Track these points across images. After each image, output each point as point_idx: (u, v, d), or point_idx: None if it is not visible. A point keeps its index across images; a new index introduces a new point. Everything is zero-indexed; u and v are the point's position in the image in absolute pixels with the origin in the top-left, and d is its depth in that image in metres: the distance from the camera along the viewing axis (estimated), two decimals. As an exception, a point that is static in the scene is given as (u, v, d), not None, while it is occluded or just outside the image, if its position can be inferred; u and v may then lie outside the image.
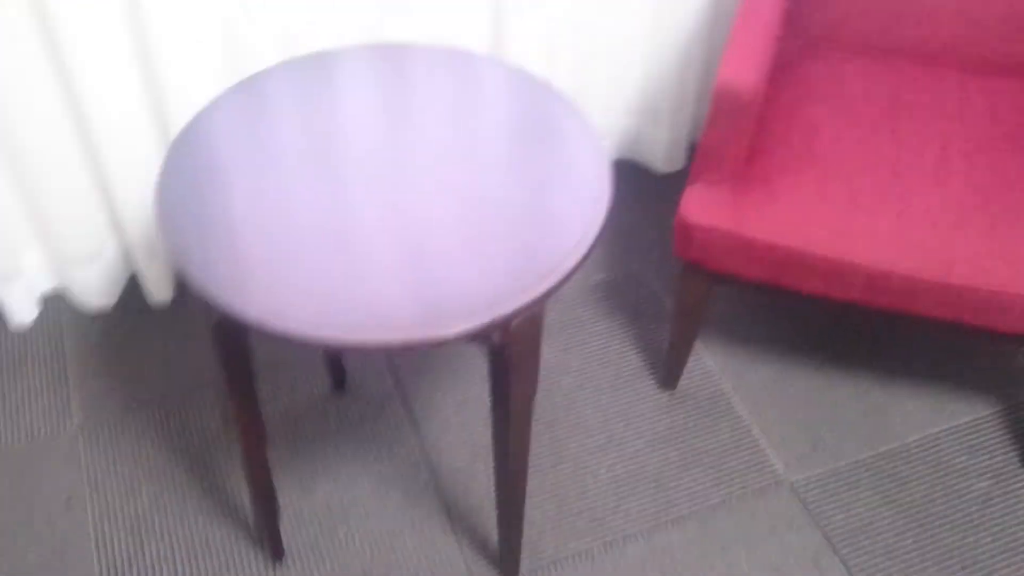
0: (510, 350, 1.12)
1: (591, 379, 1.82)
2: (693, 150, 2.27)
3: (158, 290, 1.90)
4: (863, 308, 1.52)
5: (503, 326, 1.06)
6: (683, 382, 1.83)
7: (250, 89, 1.29)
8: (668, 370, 1.78)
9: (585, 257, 1.10)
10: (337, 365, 1.74)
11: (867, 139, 1.58)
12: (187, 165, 1.18)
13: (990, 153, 1.56)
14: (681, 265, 1.60)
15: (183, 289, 1.96)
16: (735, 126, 1.45)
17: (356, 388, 1.80)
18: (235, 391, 1.24)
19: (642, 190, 2.20)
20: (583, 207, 1.14)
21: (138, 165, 1.72)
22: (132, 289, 1.97)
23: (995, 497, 1.67)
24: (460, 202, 1.15)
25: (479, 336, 1.06)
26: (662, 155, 2.19)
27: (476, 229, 1.11)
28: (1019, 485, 1.68)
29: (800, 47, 1.80)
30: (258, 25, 1.63)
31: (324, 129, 1.24)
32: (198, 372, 1.81)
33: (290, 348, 1.86)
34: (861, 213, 1.47)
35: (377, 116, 1.27)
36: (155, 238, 1.82)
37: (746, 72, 1.42)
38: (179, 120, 1.68)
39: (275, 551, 1.54)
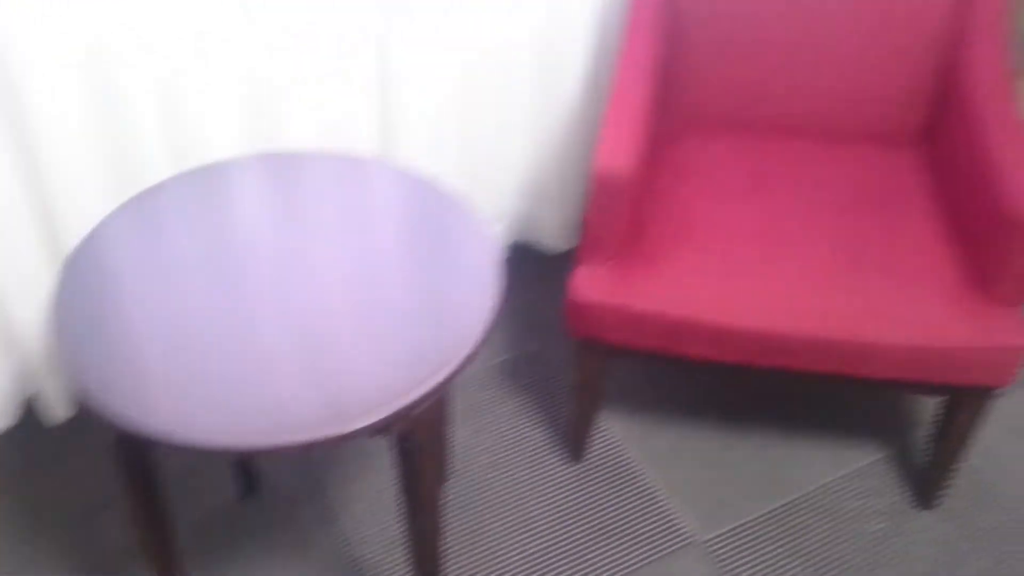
0: (414, 439, 1.16)
1: (502, 458, 1.86)
2: (581, 227, 2.36)
3: (56, 409, 1.87)
4: (751, 368, 1.61)
5: (405, 417, 1.10)
6: (590, 453, 1.88)
7: (144, 203, 1.32)
8: (574, 443, 1.83)
9: (479, 345, 1.15)
10: (247, 469, 1.73)
11: (739, 211, 1.69)
12: (82, 280, 1.20)
13: (851, 214, 1.69)
14: (576, 341, 1.66)
15: (82, 406, 1.93)
16: (615, 208, 1.54)
17: (268, 490, 1.79)
18: (141, 507, 1.23)
19: (538, 270, 2.28)
20: (475, 297, 1.20)
21: (29, 282, 1.71)
22: (29, 408, 1.93)
23: (891, 536, 1.75)
24: (356, 302, 1.19)
25: (382, 429, 1.09)
26: (554, 235, 2.28)
27: (373, 326, 1.16)
28: (912, 523, 1.77)
29: (671, 127, 1.92)
30: (149, 140, 1.66)
31: (219, 238, 1.27)
32: (103, 490, 1.78)
33: (197, 456, 1.85)
34: (739, 280, 1.56)
35: (271, 223, 1.31)
36: (50, 356, 1.80)
37: (621, 157, 1.52)
38: (71, 236, 1.69)
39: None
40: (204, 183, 1.37)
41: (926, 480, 1.79)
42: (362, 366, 1.11)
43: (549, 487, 1.81)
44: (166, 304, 1.17)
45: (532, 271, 2.28)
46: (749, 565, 1.70)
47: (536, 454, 1.87)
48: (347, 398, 1.07)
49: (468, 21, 1.88)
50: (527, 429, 1.92)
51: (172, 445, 1.03)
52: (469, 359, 1.13)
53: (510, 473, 1.84)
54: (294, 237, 1.28)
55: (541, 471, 1.84)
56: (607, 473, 1.84)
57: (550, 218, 2.25)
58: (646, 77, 1.69)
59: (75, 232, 1.69)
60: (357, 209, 1.33)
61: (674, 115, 1.94)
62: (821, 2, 1.81)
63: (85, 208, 1.68)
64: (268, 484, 1.80)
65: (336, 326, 1.16)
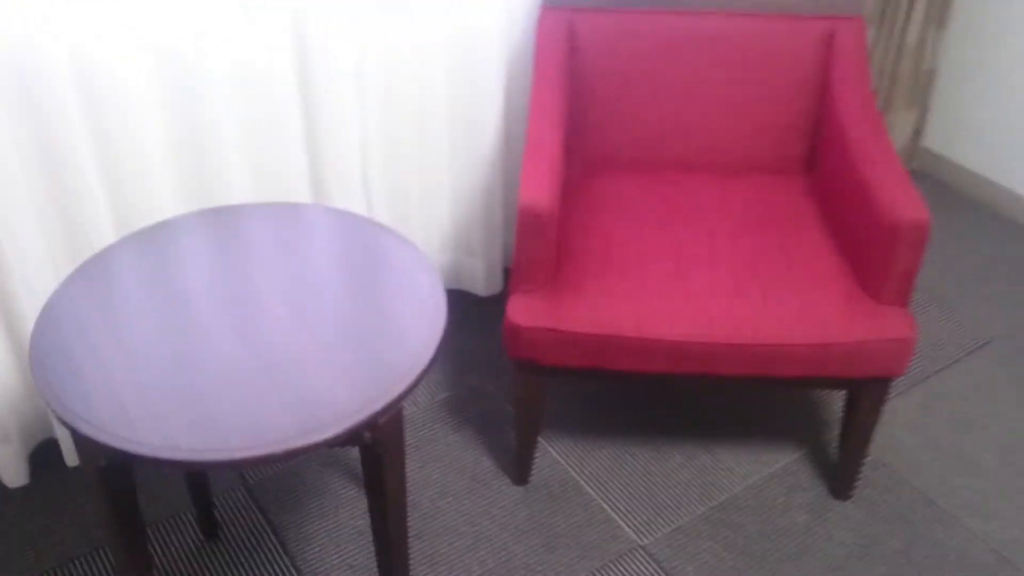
0: (381, 445, 1.27)
1: (451, 487, 1.97)
2: (508, 274, 2.52)
3: (14, 475, 1.92)
4: (676, 377, 1.77)
5: (372, 425, 1.22)
6: (534, 476, 2.00)
7: (96, 267, 1.42)
8: (518, 466, 1.96)
9: (434, 359, 1.28)
10: (207, 513, 1.81)
11: (652, 238, 1.87)
12: (55, 332, 1.29)
13: (750, 235, 1.88)
14: (514, 365, 1.80)
15: (39, 471, 1.98)
16: (540, 239, 1.70)
17: (228, 532, 1.86)
18: (126, 534, 1.31)
19: (468, 315, 2.42)
20: (426, 314, 1.33)
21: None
22: (-16, 480, 1.96)
23: (814, 526, 1.91)
24: (317, 331, 1.31)
25: (353, 436, 1.21)
26: (481, 282, 2.43)
27: (336, 350, 1.28)
28: (831, 513, 1.94)
29: (583, 169, 2.11)
30: (96, 205, 1.76)
31: (175, 289, 1.38)
32: (62, 551, 1.83)
33: (158, 503, 1.91)
34: (656, 298, 1.73)
35: (225, 269, 1.42)
36: (5, 419, 1.85)
37: (542, 193, 1.68)
38: (27, 306, 1.76)
39: None
40: (152, 241, 1.48)
41: (840, 473, 1.96)
42: (330, 385, 1.23)
43: (498, 509, 1.93)
44: (136, 348, 1.27)
45: (462, 316, 2.42)
46: (689, 562, 1.83)
47: (483, 480, 1.99)
48: (320, 412, 1.19)
49: (386, 84, 2.05)
50: (472, 458, 2.03)
51: (160, 462, 1.13)
52: (429, 367, 1.26)
53: (460, 500, 1.95)
54: (249, 279, 1.40)
55: (490, 495, 1.95)
56: (552, 491, 1.97)
57: (476, 267, 2.40)
58: (555, 126, 1.87)
59: (31, 303, 1.76)
60: (306, 248, 1.46)
61: (585, 158, 2.13)
62: (705, 54, 2.03)
63: (37, 278, 1.76)
64: (227, 527, 1.87)
65: (300, 353, 1.27)
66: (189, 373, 1.23)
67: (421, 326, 1.31)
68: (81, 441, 1.26)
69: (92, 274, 1.40)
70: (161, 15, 1.69)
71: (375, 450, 1.28)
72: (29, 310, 1.77)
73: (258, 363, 1.25)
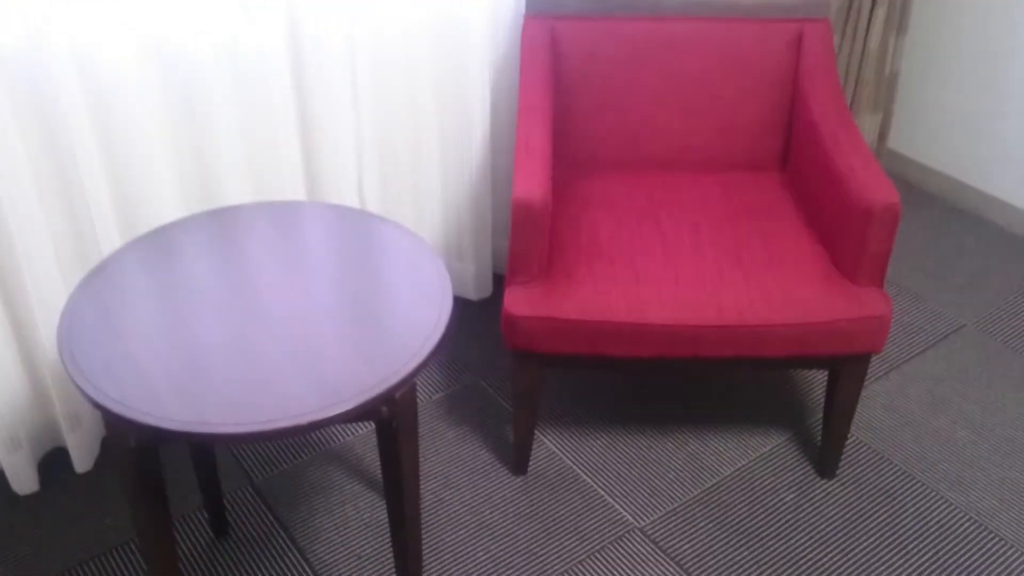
0: (398, 418, 1.34)
1: (452, 479, 2.03)
2: (499, 279, 2.60)
3: (24, 482, 1.96)
4: (667, 361, 1.85)
5: (388, 399, 1.29)
6: (532, 466, 2.07)
7: (111, 267, 1.49)
8: (517, 457, 2.03)
9: (445, 336, 1.35)
10: (217, 511, 1.86)
11: (638, 230, 1.96)
12: (81, 326, 1.35)
13: (730, 225, 1.98)
14: (512, 355, 1.87)
15: (48, 479, 2.02)
16: (534, 233, 1.78)
17: (239, 530, 1.91)
18: (153, 516, 1.36)
19: (461, 319, 2.49)
20: (432, 295, 1.41)
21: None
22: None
23: (803, 504, 2.00)
24: (331, 315, 1.38)
25: (371, 410, 1.28)
26: (473, 286, 2.50)
27: (350, 332, 1.35)
28: (818, 492, 2.02)
29: (568, 171, 2.20)
30: (101, 208, 1.83)
31: (190, 284, 1.45)
32: (72, 555, 1.87)
33: (169, 504, 1.95)
34: (646, 285, 1.82)
35: (235, 264, 1.49)
36: (15, 427, 1.90)
37: (534, 189, 1.77)
38: (37, 316, 1.81)
39: None
40: (161, 242, 1.54)
41: (824, 454, 2.05)
42: (347, 364, 1.29)
43: (499, 498, 1.99)
44: (159, 338, 1.34)
45: (456, 319, 2.49)
46: (684, 542, 1.91)
47: (484, 471, 2.05)
48: (340, 388, 1.26)
49: (380, 82, 2.13)
50: (471, 452, 2.10)
51: (191, 436, 1.19)
52: (440, 344, 1.33)
53: (462, 491, 2.01)
54: (258, 273, 1.47)
55: (491, 485, 2.02)
56: (550, 481, 2.04)
57: (467, 271, 2.48)
58: (543, 127, 1.96)
59: (37, 310, 1.82)
60: (310, 241, 1.53)
61: (569, 159, 2.22)
62: (680, 57, 2.14)
63: (45, 289, 1.81)
64: (237, 525, 1.92)
65: (316, 336, 1.34)
66: (212, 358, 1.29)
67: (430, 306, 1.38)
68: (113, 423, 1.31)
69: (108, 274, 1.46)
70: (160, 13, 1.76)
71: (392, 424, 1.34)
72: (39, 318, 1.82)
73: (277, 347, 1.32)
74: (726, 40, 2.14)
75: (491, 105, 2.30)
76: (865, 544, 1.91)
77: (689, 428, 2.18)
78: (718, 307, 1.79)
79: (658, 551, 1.88)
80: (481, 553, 1.88)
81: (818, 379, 2.33)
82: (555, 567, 1.85)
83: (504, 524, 1.94)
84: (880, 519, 1.96)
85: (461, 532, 1.92)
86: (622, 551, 1.88)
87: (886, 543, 1.91)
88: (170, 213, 1.93)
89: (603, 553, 1.88)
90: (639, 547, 1.89)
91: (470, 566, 1.85)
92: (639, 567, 1.85)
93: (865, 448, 2.13)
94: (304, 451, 2.11)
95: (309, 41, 1.94)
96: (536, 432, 2.15)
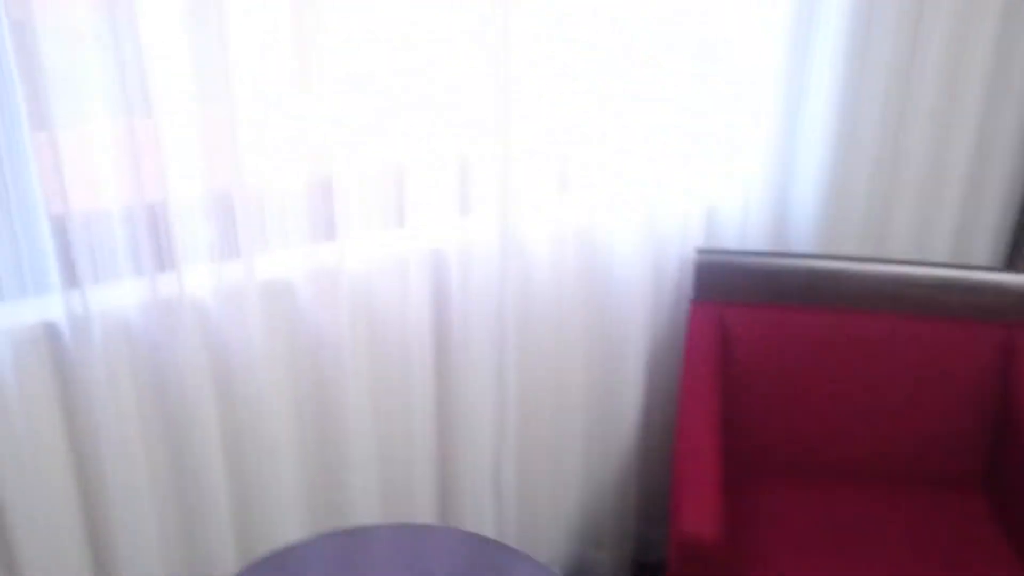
0: None
1: None
2: (639, 567, 2.31)
3: None
4: None
5: None
6: None
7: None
8: None
9: None
10: None
11: (820, 563, 1.66)
12: None
13: (923, 565, 1.66)
14: None
15: None
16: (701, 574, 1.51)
17: None
18: None
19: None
20: None
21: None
22: None
23: None
24: None
25: None
26: (611, 573, 2.22)
27: None
28: None
29: (731, 470, 1.94)
30: (220, 515, 1.66)
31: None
32: None
33: None
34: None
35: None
36: None
37: (706, 521, 1.51)
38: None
39: None
40: (279, 568, 1.35)
41: None
42: None
43: None
44: None
45: (590, 617, 2.20)
46: None
47: None
48: None
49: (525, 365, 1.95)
50: None
51: None
52: None
53: None
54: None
55: None
56: None
57: (603, 561, 2.21)
58: (711, 429, 1.73)
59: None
60: (430, 570, 1.31)
61: (736, 459, 1.96)
62: (867, 355, 1.89)
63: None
64: None
65: None
66: None
67: None
68: None
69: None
70: (309, 338, 1.64)
71: None
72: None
73: None
74: (921, 340, 1.89)
75: (647, 385, 2.09)
76: None
77: None
78: None
79: None
80: None
81: None
82: None
83: None
84: None
85: None
86: None
87: None
88: (290, 503, 1.75)
89: None
90: None
91: None
92: None
93: None
94: None
95: (457, 315, 1.79)
96: None
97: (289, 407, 1.68)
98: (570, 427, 2.05)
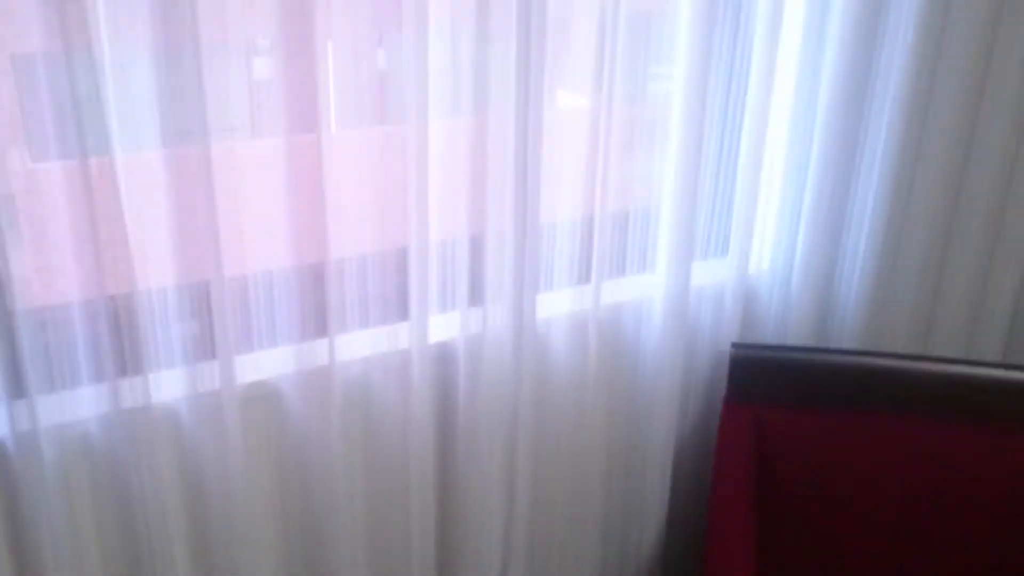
0: None
1: None
2: None
3: None
4: None
5: None
6: None
7: None
8: None
9: None
10: None
11: None
12: None
13: None
14: None
15: None
16: None
17: None
18: None
19: None
20: None
21: None
22: None
23: None
24: None
25: None
26: None
27: None
28: None
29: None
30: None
31: None
32: None
33: None
34: None
35: None
36: None
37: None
38: None
39: None
40: None
41: None
42: None
43: None
44: None
45: None
46: None
47: None
48: None
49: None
50: None
51: None
52: None
53: None
54: None
55: None
56: None
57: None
58: (743, 548, 1.52)
59: None
60: None
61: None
62: (929, 468, 1.69)
63: None
64: None
65: None
66: None
67: None
68: None
69: None
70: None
71: None
72: None
73: None
74: (992, 454, 1.68)
75: (671, 489, 1.88)
76: None
77: None
78: None
79: None
80: None
81: None
82: None
83: None
84: None
85: None
86: None
87: None
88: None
89: None
90: None
91: None
92: None
93: None
94: None
95: (464, 414, 1.58)
96: None
97: (272, 533, 1.47)
98: (585, 535, 1.83)
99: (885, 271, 1.85)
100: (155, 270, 1.29)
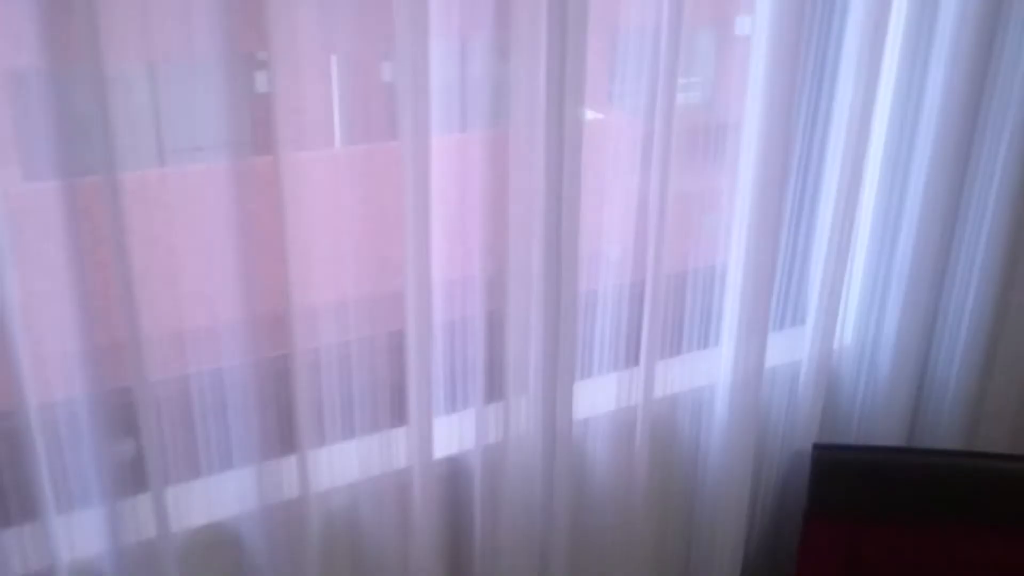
0: None
1: None
2: None
3: None
4: None
5: None
6: None
7: None
8: None
9: None
10: None
11: None
12: None
13: None
14: None
15: None
16: None
17: None
18: None
19: None
20: None
21: None
22: None
23: None
24: None
25: None
26: None
27: None
28: None
29: None
30: None
31: None
32: None
33: None
34: None
35: None
36: None
37: None
38: None
39: None
40: None
41: None
42: None
43: None
44: None
45: None
46: None
47: None
48: None
49: None
50: None
51: None
52: None
53: None
54: None
55: None
56: None
57: None
58: None
59: None
60: None
61: None
62: None
63: None
64: None
65: None
66: None
67: None
68: None
69: None
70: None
71: None
72: None
73: None
74: None
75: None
76: None
77: None
78: None
79: None
80: None
81: None
82: None
83: None
84: None
85: None
86: None
87: None
88: None
89: None
90: None
91: None
92: None
93: None
94: None
95: (480, 542, 1.21)
96: None
97: None
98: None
99: (989, 353, 1.50)
100: (56, 377, 0.92)
